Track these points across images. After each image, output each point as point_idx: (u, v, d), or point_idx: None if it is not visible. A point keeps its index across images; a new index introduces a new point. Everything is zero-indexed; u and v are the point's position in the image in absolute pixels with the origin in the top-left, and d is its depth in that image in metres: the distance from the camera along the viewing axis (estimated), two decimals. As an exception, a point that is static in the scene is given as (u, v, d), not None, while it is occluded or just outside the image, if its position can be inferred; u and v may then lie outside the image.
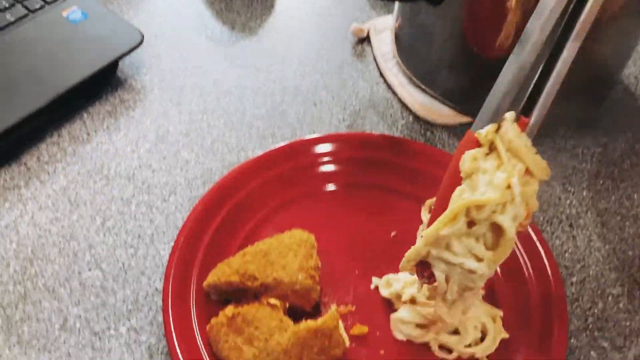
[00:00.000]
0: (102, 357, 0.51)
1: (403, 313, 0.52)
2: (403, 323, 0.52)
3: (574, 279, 0.58)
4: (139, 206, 0.62)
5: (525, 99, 0.45)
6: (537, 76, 0.45)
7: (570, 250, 0.60)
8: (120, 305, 0.54)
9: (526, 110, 0.45)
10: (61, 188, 0.62)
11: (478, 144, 0.43)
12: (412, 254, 0.46)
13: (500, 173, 0.41)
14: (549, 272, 0.55)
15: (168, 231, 0.60)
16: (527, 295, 0.54)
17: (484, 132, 0.43)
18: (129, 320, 0.53)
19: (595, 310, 0.56)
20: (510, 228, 0.41)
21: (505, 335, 0.52)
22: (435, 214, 0.45)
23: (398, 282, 0.54)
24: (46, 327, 0.52)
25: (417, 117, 0.72)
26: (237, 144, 0.68)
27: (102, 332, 0.52)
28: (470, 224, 0.43)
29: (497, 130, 0.43)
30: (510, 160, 0.42)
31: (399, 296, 0.53)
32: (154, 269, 0.57)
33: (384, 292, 0.54)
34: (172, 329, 0.49)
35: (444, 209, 0.43)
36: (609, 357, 0.53)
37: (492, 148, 0.43)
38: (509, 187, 0.41)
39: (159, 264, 0.57)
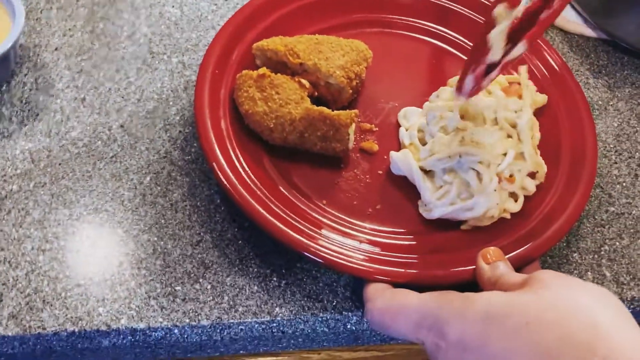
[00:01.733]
0: (146, 71, 0.56)
1: (398, 155, 0.51)
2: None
3: (612, 209, 0.54)
4: (238, -24, 0.65)
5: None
6: None
7: (624, 185, 0.55)
8: (182, 42, 0.59)
9: None
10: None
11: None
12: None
13: None
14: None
15: (252, 6, 0.62)
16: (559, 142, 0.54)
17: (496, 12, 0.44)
18: (183, 55, 0.58)
19: (617, 244, 0.52)
20: None
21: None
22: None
23: (414, 116, 0.53)
24: (116, 31, 0.58)
25: (538, 11, 0.67)
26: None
27: (157, 54, 0.57)
28: None
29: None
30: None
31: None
32: (224, 29, 0.60)
33: (403, 123, 0.54)
34: (207, 70, 0.52)
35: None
36: (604, 285, 0.49)
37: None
38: None
39: (230, 27, 0.60)
